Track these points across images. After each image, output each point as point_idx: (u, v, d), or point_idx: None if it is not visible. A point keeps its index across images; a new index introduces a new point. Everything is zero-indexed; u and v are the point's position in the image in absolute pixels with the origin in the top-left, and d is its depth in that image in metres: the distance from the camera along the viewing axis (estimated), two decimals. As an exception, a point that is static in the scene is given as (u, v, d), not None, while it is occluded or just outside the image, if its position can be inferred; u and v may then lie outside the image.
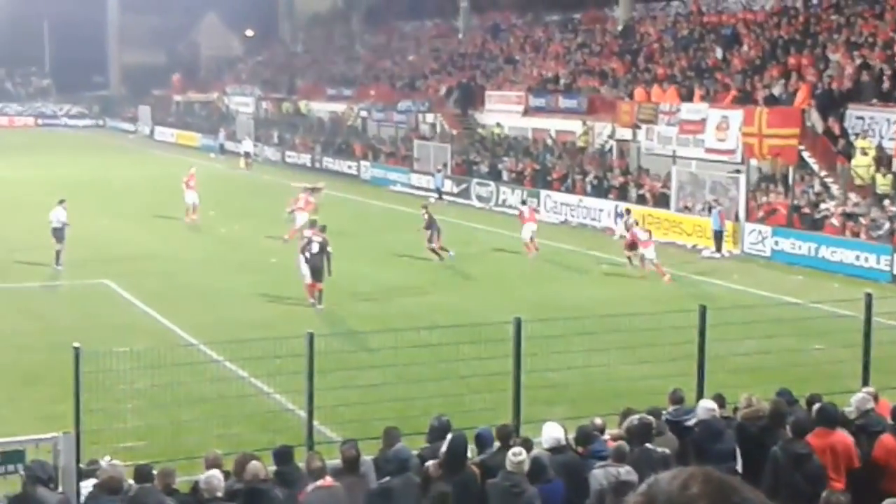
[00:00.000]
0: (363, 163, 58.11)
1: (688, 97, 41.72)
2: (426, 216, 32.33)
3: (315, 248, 25.61)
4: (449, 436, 10.55)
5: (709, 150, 38.22)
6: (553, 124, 50.48)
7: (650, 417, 11.66)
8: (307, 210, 34.36)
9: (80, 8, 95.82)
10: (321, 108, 72.28)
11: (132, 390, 15.14)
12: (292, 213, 35.02)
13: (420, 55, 70.98)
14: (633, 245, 31.40)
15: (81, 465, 11.99)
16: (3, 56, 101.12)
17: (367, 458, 11.65)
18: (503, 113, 53.91)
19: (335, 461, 11.62)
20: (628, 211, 35.30)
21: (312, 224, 26.92)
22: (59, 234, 30.07)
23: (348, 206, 37.33)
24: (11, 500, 10.17)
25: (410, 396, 15.45)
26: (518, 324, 14.01)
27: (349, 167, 58.71)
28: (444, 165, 50.15)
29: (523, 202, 37.50)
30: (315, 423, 13.97)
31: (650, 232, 32.04)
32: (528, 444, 11.13)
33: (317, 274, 25.58)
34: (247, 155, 62.52)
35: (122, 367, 15.15)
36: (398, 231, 37.69)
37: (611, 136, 46.28)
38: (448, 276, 30.66)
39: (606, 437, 12.10)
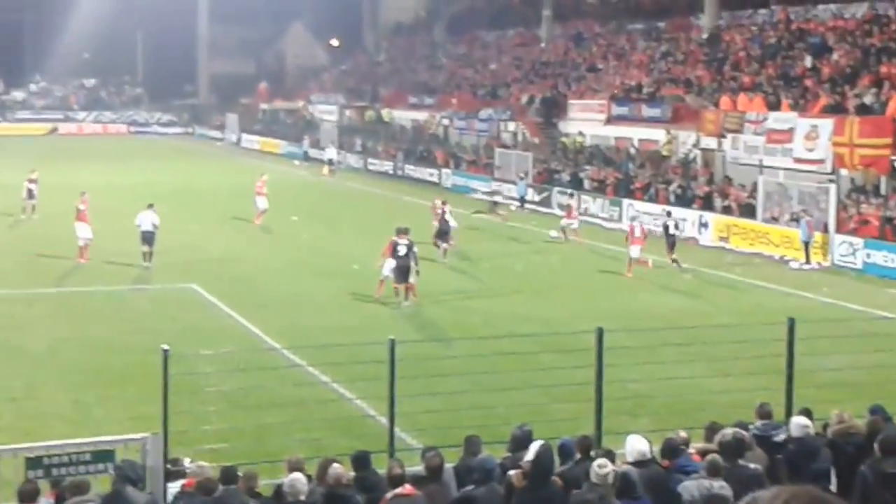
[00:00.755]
0: (444, 170, 58.28)
1: (775, 106, 41.11)
2: (441, 211, 33.77)
3: (402, 250, 26.60)
4: (535, 445, 10.41)
5: (797, 160, 37.60)
6: (636, 133, 50.10)
7: (743, 432, 11.41)
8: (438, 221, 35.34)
9: (172, 20, 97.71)
10: (403, 116, 72.64)
11: (217, 393, 15.29)
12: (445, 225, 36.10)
13: (502, 64, 70.96)
14: (673, 246, 32.98)
15: (167, 466, 12.13)
16: (99, 66, 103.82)
17: (448, 465, 11.61)
18: (585, 121, 53.64)
19: (415, 468, 11.59)
20: (669, 213, 35.74)
21: (399, 231, 27.23)
22: (149, 237, 30.90)
23: (429, 214, 37.43)
24: (104, 499, 10.30)
25: (491, 405, 15.41)
26: (600, 334, 13.90)
27: (430, 175, 58.89)
28: (526, 174, 50.04)
29: (570, 195, 38.06)
30: (396, 429, 13.99)
31: (646, 235, 32.41)
32: (610, 456, 11.00)
33: (404, 274, 26.64)
34: (330, 162, 63.11)
35: (207, 369, 15.35)
36: (480, 240, 37.71)
37: (695, 145, 45.79)
38: (530, 284, 30.57)
39: (691, 450, 11.92)
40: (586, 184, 47.77)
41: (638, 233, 31.79)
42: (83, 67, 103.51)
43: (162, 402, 12.46)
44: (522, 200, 48.33)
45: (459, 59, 77.74)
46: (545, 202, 48.06)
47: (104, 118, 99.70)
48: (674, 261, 32.92)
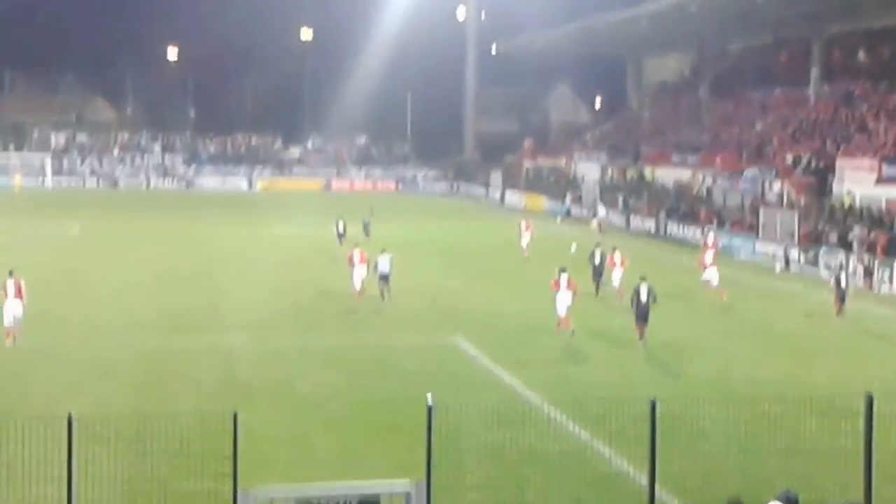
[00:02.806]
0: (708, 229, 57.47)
1: None
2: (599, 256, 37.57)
3: (644, 296, 28.80)
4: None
5: None
6: (909, 194, 48.23)
7: None
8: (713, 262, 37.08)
9: (441, 81, 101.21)
10: (666, 175, 72.18)
11: (479, 444, 15.63)
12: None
13: (767, 123, 69.58)
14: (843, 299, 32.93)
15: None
16: (370, 124, 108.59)
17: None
18: (854, 181, 52.03)
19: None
20: (842, 266, 37.52)
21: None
22: (386, 276, 34.87)
23: (692, 273, 37.01)
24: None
25: (755, 467, 15.16)
26: (870, 401, 13.50)
27: (693, 234, 58.21)
28: (791, 234, 48.83)
29: (702, 231, 38.06)
30: (656, 487, 13.96)
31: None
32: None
33: (644, 317, 28.77)
34: (599, 218, 64.13)
35: (470, 421, 15.73)
36: (743, 299, 36.99)
37: (974, 207, 43.53)
38: (793, 346, 29.80)
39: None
40: (855, 245, 46.14)
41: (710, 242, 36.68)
42: (355, 126, 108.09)
43: (426, 451, 12.84)
44: (787, 260, 47.12)
45: (724, 118, 76.70)
46: (811, 262, 46.66)
47: (374, 174, 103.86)
48: (839, 313, 32.80)
